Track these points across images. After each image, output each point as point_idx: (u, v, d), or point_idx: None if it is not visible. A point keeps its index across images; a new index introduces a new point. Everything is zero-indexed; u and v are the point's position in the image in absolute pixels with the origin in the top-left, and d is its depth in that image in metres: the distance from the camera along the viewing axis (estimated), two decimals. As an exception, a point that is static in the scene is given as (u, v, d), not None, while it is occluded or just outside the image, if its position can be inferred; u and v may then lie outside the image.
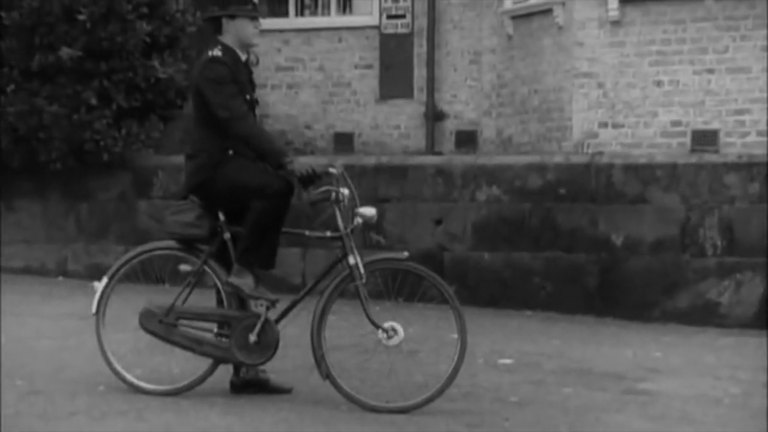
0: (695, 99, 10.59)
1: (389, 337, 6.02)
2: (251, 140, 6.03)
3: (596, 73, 10.95)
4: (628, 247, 9.33)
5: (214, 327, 6.18)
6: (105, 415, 5.82)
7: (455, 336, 6.12)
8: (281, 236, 6.14)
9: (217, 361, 6.19)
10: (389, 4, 13.23)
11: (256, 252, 6.04)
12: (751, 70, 10.37)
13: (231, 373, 6.33)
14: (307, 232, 6.33)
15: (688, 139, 10.57)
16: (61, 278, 11.03)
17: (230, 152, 6.06)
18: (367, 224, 6.19)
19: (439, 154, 12.31)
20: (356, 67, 13.46)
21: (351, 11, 13.66)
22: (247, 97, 6.17)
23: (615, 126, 10.88)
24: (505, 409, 6.23)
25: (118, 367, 6.28)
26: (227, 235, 6.10)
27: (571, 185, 9.49)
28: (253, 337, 6.04)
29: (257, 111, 6.30)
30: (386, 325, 6.03)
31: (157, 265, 6.46)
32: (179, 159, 8.79)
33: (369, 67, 13.39)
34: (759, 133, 10.27)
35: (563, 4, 11.25)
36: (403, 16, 13.21)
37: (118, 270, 6.29)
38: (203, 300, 6.30)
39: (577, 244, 9.44)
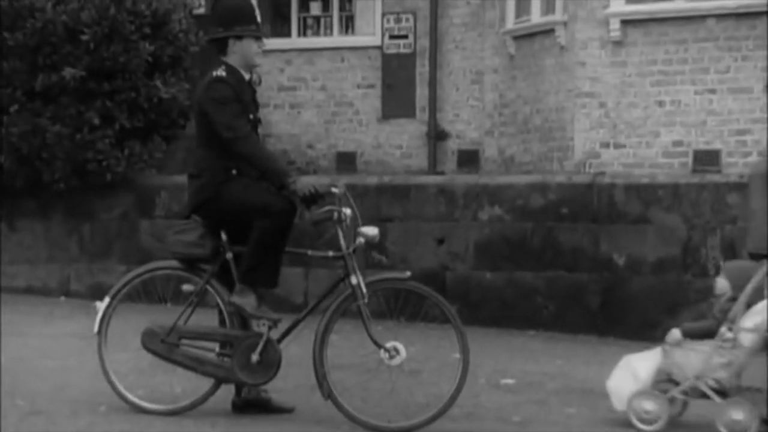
0: (697, 119, 10.60)
1: (391, 357, 6.01)
2: (254, 160, 6.04)
3: (598, 93, 10.97)
4: (630, 267, 9.33)
5: (217, 347, 6.18)
6: (107, 435, 5.81)
7: (457, 356, 6.11)
8: (284, 255, 6.14)
9: (219, 381, 6.18)
10: (391, 24, 13.29)
11: (259, 271, 6.04)
12: (752, 90, 10.38)
13: (233, 393, 6.32)
14: (309, 252, 6.33)
15: (689, 159, 10.58)
16: (63, 298, 11.03)
17: (233, 172, 6.07)
18: (370, 244, 6.19)
19: (441, 173, 12.33)
20: (359, 86, 13.50)
21: (353, 31, 13.71)
22: (251, 116, 6.18)
23: (617, 146, 10.89)
24: (507, 429, 6.22)
25: (120, 387, 6.27)
26: (230, 255, 6.10)
27: (573, 205, 9.50)
28: (255, 357, 6.03)
29: (260, 130, 6.32)
30: (388, 344, 6.02)
31: (160, 285, 6.46)
32: (182, 179, 8.79)
33: (371, 86, 13.43)
34: (760, 153, 10.27)
35: (565, 24, 11.29)
36: (405, 36, 13.26)
37: (120, 290, 6.29)
38: (205, 320, 6.30)
39: (579, 264, 9.44)
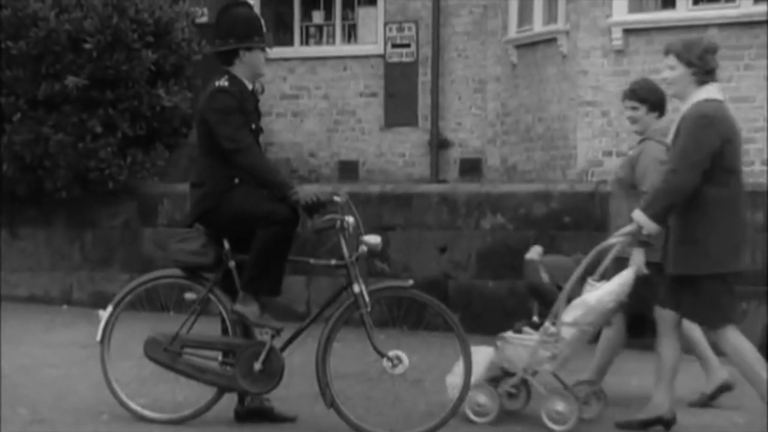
0: (699, 128, 10.58)
1: (394, 366, 6.01)
2: (255, 172, 6.04)
3: (600, 102, 10.97)
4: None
5: (219, 355, 6.18)
6: (109, 443, 5.81)
7: (460, 364, 6.11)
8: (286, 264, 6.14)
9: (222, 390, 6.18)
10: (394, 33, 13.31)
11: (262, 280, 6.04)
12: (754, 99, 10.38)
13: (235, 402, 6.31)
14: (311, 260, 6.34)
15: (692, 168, 10.56)
16: (65, 306, 11.03)
17: (236, 180, 6.07)
18: (372, 252, 6.19)
19: (444, 182, 12.34)
20: (361, 95, 13.52)
21: (356, 40, 13.73)
22: (253, 126, 6.19)
23: (619, 154, 10.87)
24: (510, 438, 6.22)
25: (123, 396, 6.27)
26: (232, 264, 6.10)
27: (576, 213, 9.49)
28: (258, 366, 6.03)
29: (262, 139, 6.32)
30: (391, 353, 6.02)
31: (162, 294, 6.47)
32: (184, 187, 8.79)
33: (374, 95, 13.45)
34: (763, 162, 10.28)
35: (567, 33, 11.30)
36: (407, 45, 13.28)
37: (123, 298, 6.29)
38: (208, 328, 6.30)
39: (581, 273, 9.41)
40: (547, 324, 6.24)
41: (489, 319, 9.64)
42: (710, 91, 6.15)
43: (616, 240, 6.30)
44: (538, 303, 6.61)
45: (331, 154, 13.63)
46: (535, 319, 6.41)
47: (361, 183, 12.45)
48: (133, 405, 6.26)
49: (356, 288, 6.00)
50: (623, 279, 6.31)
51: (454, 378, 6.29)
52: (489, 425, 6.36)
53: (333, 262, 6.16)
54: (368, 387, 6.40)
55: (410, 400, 6.38)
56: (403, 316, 6.60)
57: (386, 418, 6.24)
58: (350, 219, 6.08)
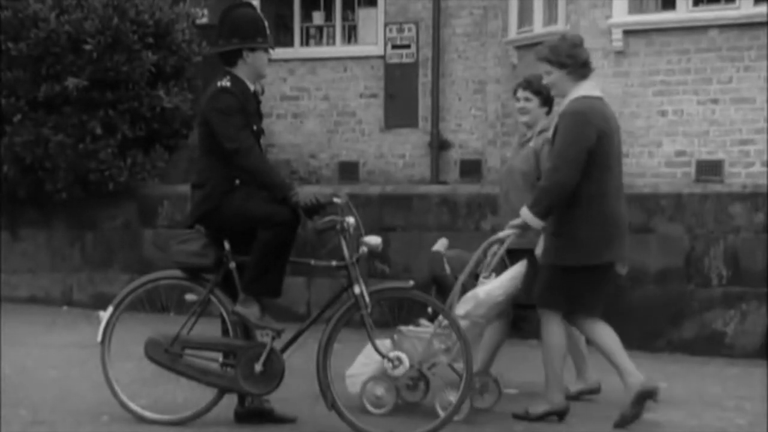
0: (699, 129, 10.60)
1: (395, 367, 6.02)
2: (256, 174, 6.03)
3: (600, 103, 10.96)
4: (633, 277, 9.30)
5: (220, 356, 6.18)
6: (109, 444, 5.82)
7: (460, 365, 6.11)
8: (287, 265, 6.14)
9: (223, 391, 6.18)
10: (394, 34, 13.31)
11: (263, 281, 6.04)
12: (755, 100, 10.38)
13: (235, 403, 6.31)
14: (312, 262, 6.34)
15: (692, 169, 10.58)
16: (65, 308, 11.04)
17: (236, 182, 6.07)
18: (373, 253, 6.20)
19: (444, 183, 12.34)
20: (361, 96, 13.52)
21: (356, 41, 13.74)
22: (254, 128, 6.19)
23: (619, 155, 10.88)
24: (510, 439, 6.22)
25: (123, 397, 6.27)
26: (233, 265, 6.10)
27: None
28: (258, 367, 6.03)
29: (262, 141, 6.32)
30: (392, 354, 6.03)
31: (163, 295, 6.48)
32: (184, 188, 8.80)
33: (374, 96, 13.45)
34: (763, 164, 10.28)
35: (567, 34, 11.29)
36: (407, 46, 13.28)
37: (123, 299, 6.29)
38: (209, 329, 6.30)
39: (581, 274, 9.41)
40: (441, 317, 6.28)
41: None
42: (586, 88, 6.40)
43: (504, 234, 6.43)
44: (438, 295, 6.64)
45: (331, 155, 13.63)
46: (429, 311, 6.45)
47: (361, 184, 12.45)
48: (133, 406, 6.26)
49: (357, 289, 6.00)
50: (514, 273, 6.47)
51: (354, 370, 6.43)
52: (489, 425, 6.37)
53: (333, 263, 6.16)
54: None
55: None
56: (404, 316, 6.59)
57: (387, 419, 6.24)
58: (351, 220, 6.08)
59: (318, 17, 13.94)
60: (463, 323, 6.22)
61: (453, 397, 6.16)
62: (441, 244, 6.82)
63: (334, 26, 13.81)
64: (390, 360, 6.00)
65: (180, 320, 6.22)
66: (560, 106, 6.46)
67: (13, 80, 10.87)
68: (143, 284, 6.35)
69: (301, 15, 13.92)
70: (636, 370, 6.39)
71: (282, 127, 13.69)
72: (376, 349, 6.04)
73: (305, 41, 13.98)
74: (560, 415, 6.51)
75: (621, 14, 10.90)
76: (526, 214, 6.29)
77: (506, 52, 12.44)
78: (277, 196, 6.01)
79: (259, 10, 6.44)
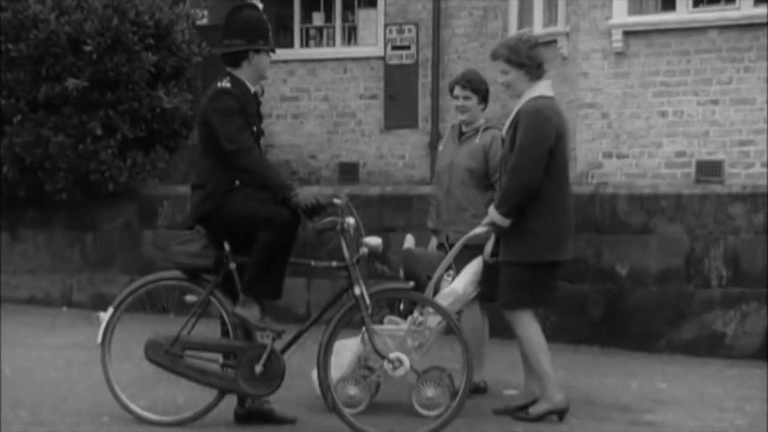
0: (699, 130, 10.61)
1: (395, 368, 6.02)
2: (255, 174, 6.03)
3: (600, 104, 10.98)
4: (633, 278, 9.32)
5: (220, 358, 6.18)
6: (109, 445, 5.82)
7: (461, 367, 6.11)
8: (287, 267, 6.14)
9: (223, 392, 6.18)
10: (394, 35, 13.32)
11: (263, 282, 6.04)
12: (755, 101, 10.39)
13: (235, 404, 6.31)
14: (312, 262, 6.34)
15: (692, 170, 10.58)
16: (65, 308, 11.04)
17: (236, 182, 6.06)
18: (373, 254, 6.20)
19: (444, 184, 12.31)
20: (361, 97, 13.52)
21: (356, 42, 13.74)
22: (254, 129, 6.19)
23: (619, 156, 10.90)
24: (510, 440, 6.22)
25: (123, 398, 6.27)
26: (233, 266, 6.10)
27: (576, 215, 9.41)
28: (259, 368, 6.03)
29: (262, 141, 6.32)
30: (392, 356, 6.03)
31: (163, 296, 6.47)
32: (184, 189, 8.80)
33: (374, 97, 13.46)
34: (763, 164, 10.28)
35: (567, 35, 11.31)
36: (407, 47, 13.29)
37: (123, 300, 6.29)
38: (209, 330, 6.30)
39: (581, 275, 9.42)
40: (415, 314, 6.31)
41: (489, 320, 9.64)
42: (542, 89, 6.50)
43: (480, 231, 6.49)
44: None
45: (331, 156, 13.63)
46: (401, 307, 6.47)
47: (361, 185, 12.45)
48: (133, 407, 6.26)
49: (357, 290, 6.00)
50: (476, 268, 6.57)
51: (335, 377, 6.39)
52: (489, 425, 6.37)
53: (334, 264, 6.16)
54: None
55: (411, 402, 6.38)
56: (404, 318, 6.58)
57: (387, 420, 6.25)
58: (351, 221, 6.08)
59: (318, 18, 13.95)
60: (436, 320, 6.26)
61: (431, 392, 6.21)
62: (409, 242, 6.83)
63: (334, 27, 13.82)
64: (390, 361, 6.00)
65: (180, 321, 6.22)
66: (516, 105, 6.54)
67: (13, 81, 10.87)
68: (143, 285, 6.35)
69: (301, 16, 13.92)
70: (557, 384, 6.52)
71: (282, 128, 13.70)
72: (376, 350, 6.04)
73: (305, 42, 13.99)
74: (560, 414, 6.51)
75: (621, 15, 10.90)
76: (493, 213, 6.40)
77: (506, 52, 12.42)
78: (277, 197, 6.01)
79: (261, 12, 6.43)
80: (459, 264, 6.62)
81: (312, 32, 14.00)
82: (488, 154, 6.98)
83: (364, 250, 6.08)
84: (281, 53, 13.13)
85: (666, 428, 6.51)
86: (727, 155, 10.48)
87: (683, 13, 10.72)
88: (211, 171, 6.13)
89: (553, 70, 11.42)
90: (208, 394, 6.22)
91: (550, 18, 11.75)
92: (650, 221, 9.33)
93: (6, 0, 10.90)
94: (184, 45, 11.32)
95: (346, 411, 6.10)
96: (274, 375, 6.05)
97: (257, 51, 6.17)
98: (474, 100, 7.12)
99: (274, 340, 6.07)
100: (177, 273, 6.26)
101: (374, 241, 6.13)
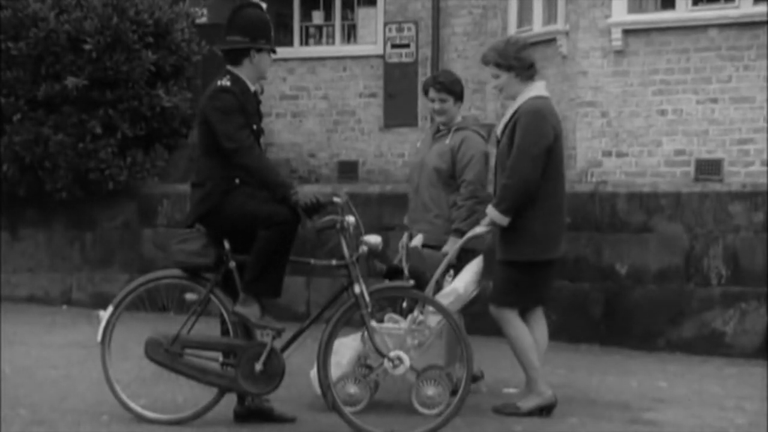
0: (699, 128, 10.61)
1: (395, 367, 6.02)
2: (255, 173, 6.03)
3: (600, 102, 10.98)
4: (633, 276, 9.32)
5: (220, 356, 6.18)
6: (109, 444, 5.82)
7: (461, 365, 6.11)
8: (287, 265, 6.14)
9: (223, 391, 6.18)
10: (393, 33, 13.31)
11: (263, 281, 6.03)
12: (754, 99, 10.38)
13: (235, 402, 6.31)
14: (312, 261, 6.34)
15: (692, 168, 10.58)
16: (65, 307, 11.04)
17: (236, 181, 6.06)
18: (373, 252, 6.20)
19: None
20: (361, 95, 13.52)
21: (356, 40, 13.74)
22: (254, 127, 6.19)
23: (619, 155, 10.90)
24: (510, 438, 6.22)
25: (123, 396, 6.27)
26: (233, 264, 6.10)
27: (576, 214, 9.49)
28: (259, 367, 6.03)
29: (262, 140, 6.32)
30: (392, 354, 6.03)
31: (163, 294, 6.47)
32: (184, 187, 8.79)
33: (373, 95, 13.45)
34: (763, 163, 10.28)
35: (567, 33, 11.31)
36: (407, 46, 13.28)
37: (123, 298, 6.28)
38: (208, 329, 6.30)
39: (581, 273, 9.43)
40: (415, 312, 6.31)
41: (489, 319, 9.64)
42: (537, 89, 6.56)
43: (480, 230, 6.55)
44: None
45: (330, 154, 13.63)
46: (404, 305, 6.47)
47: (360, 183, 12.45)
48: (133, 405, 6.26)
49: (357, 288, 6.00)
50: (477, 268, 6.60)
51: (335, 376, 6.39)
52: (489, 425, 6.38)
53: (333, 262, 6.16)
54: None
55: (411, 401, 6.38)
56: (404, 316, 6.58)
57: (387, 419, 6.25)
58: (350, 219, 6.08)
59: (317, 17, 13.94)
60: (437, 319, 6.26)
61: (431, 391, 6.20)
62: (418, 240, 6.83)
63: (333, 25, 13.81)
64: (390, 359, 6.00)
65: (180, 320, 6.22)
66: (510, 106, 6.58)
67: (13, 79, 10.87)
68: (143, 284, 6.35)
69: (301, 14, 13.92)
70: (544, 381, 6.57)
71: (281, 126, 13.69)
72: (377, 349, 6.04)
73: (305, 40, 13.98)
74: (548, 409, 6.53)
75: (620, 13, 10.90)
76: (492, 212, 6.45)
77: (506, 51, 12.42)
78: (277, 195, 6.01)
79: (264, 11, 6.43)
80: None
81: (312, 30, 13.99)
82: (456, 155, 6.95)
83: (363, 248, 6.08)
84: (281, 51, 13.05)
85: (666, 427, 6.51)
86: (727, 154, 10.48)
87: (683, 12, 10.72)
88: (210, 169, 6.12)
89: (553, 68, 11.44)
90: (207, 393, 6.22)
91: (550, 16, 11.75)
92: (650, 220, 9.33)
93: (6, -2, 10.91)
94: (184, 43, 11.31)
95: (346, 409, 6.10)
96: (274, 373, 6.05)
97: (259, 50, 6.17)
98: (450, 102, 7.09)
99: (273, 338, 6.07)
100: (177, 271, 6.26)
101: (374, 239, 6.13)
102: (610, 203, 9.46)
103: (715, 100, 10.54)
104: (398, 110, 13.32)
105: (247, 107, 6.11)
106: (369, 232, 6.16)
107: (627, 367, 8.42)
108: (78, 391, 7.01)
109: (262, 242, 5.96)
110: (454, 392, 6.24)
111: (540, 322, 6.73)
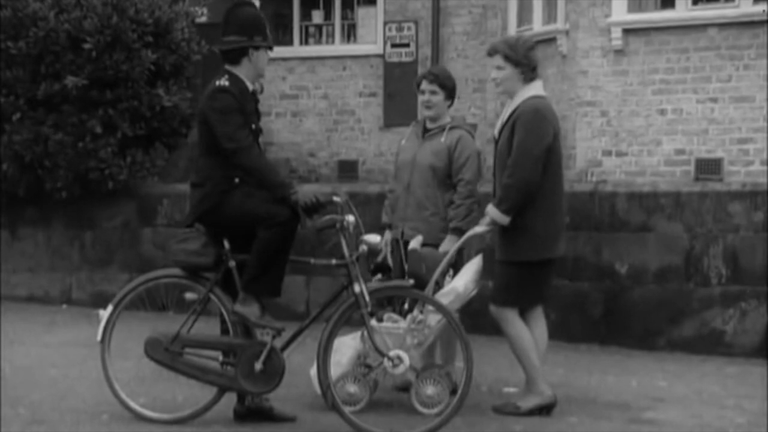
0: (699, 127, 10.60)
1: (395, 366, 6.02)
2: (255, 173, 6.03)
3: (600, 102, 10.97)
4: (632, 276, 9.32)
5: (220, 355, 6.18)
6: (109, 443, 5.81)
7: (460, 364, 6.11)
8: (286, 264, 6.14)
9: (223, 390, 6.19)
10: (393, 32, 13.31)
11: (263, 280, 6.04)
12: (754, 99, 10.37)
13: (234, 401, 6.31)
14: (312, 260, 6.34)
15: (691, 168, 10.57)
16: (65, 306, 11.03)
17: (236, 181, 6.07)
18: (372, 251, 6.21)
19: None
20: (360, 95, 13.51)
21: (355, 40, 13.73)
22: (252, 127, 6.19)
23: (618, 154, 10.89)
24: (510, 438, 6.22)
25: (123, 395, 6.28)
26: (232, 263, 6.10)
27: (575, 213, 9.49)
28: (258, 366, 6.03)
29: (261, 140, 6.32)
30: (392, 353, 6.03)
31: (163, 293, 6.47)
32: (184, 187, 8.78)
33: (373, 95, 13.45)
34: (762, 162, 10.27)
35: (567, 33, 11.30)
36: (407, 45, 13.28)
37: (123, 298, 6.29)
38: (208, 328, 6.30)
39: (581, 273, 9.43)
40: (415, 312, 6.31)
41: (488, 319, 9.64)
42: (537, 88, 6.58)
43: (481, 230, 6.59)
44: None
45: (330, 153, 13.63)
46: (406, 306, 6.46)
47: (360, 183, 12.45)
48: (133, 404, 6.27)
49: (357, 288, 6.00)
50: (477, 267, 6.61)
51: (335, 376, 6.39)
52: (489, 425, 6.38)
53: (333, 261, 6.16)
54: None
55: (411, 401, 6.38)
56: (404, 316, 6.58)
57: (387, 418, 6.25)
58: (350, 218, 6.08)
59: (317, 16, 13.93)
60: (436, 318, 6.26)
61: (431, 390, 6.20)
62: (417, 242, 6.84)
63: (333, 25, 13.80)
64: (390, 359, 6.00)
65: (180, 319, 6.23)
66: (509, 105, 6.59)
67: (13, 79, 10.87)
68: (143, 283, 6.35)
69: (301, 14, 13.91)
70: (544, 380, 6.60)
71: (281, 126, 13.69)
72: (376, 348, 6.04)
73: (304, 40, 13.97)
74: (548, 408, 6.54)
75: (620, 13, 10.89)
76: (493, 211, 6.48)
77: (505, 50, 12.41)
78: (277, 195, 6.01)
79: (258, 9, 6.44)
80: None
81: (311, 30, 13.98)
82: (453, 154, 6.94)
83: (363, 247, 6.09)
84: (281, 51, 13.16)
85: (665, 426, 6.52)
86: (727, 153, 10.47)
87: (682, 11, 10.71)
88: (210, 169, 6.13)
89: (553, 68, 11.44)
90: (207, 392, 6.22)
91: (550, 16, 11.75)
92: (649, 219, 9.33)
93: (5, -2, 10.91)
94: (184, 43, 11.31)
95: (346, 409, 6.10)
96: (274, 373, 6.06)
97: (256, 48, 6.17)
98: (441, 96, 7.07)
99: (273, 337, 6.07)
100: (176, 271, 6.27)
101: (374, 238, 6.14)
102: (609, 203, 9.46)
103: (714, 100, 10.53)
104: (398, 110, 13.30)
105: (245, 107, 6.11)
106: (369, 231, 6.16)
107: (627, 366, 8.42)
108: (78, 390, 7.01)
109: (262, 242, 5.97)
110: (453, 391, 6.24)
111: (540, 321, 6.73)
